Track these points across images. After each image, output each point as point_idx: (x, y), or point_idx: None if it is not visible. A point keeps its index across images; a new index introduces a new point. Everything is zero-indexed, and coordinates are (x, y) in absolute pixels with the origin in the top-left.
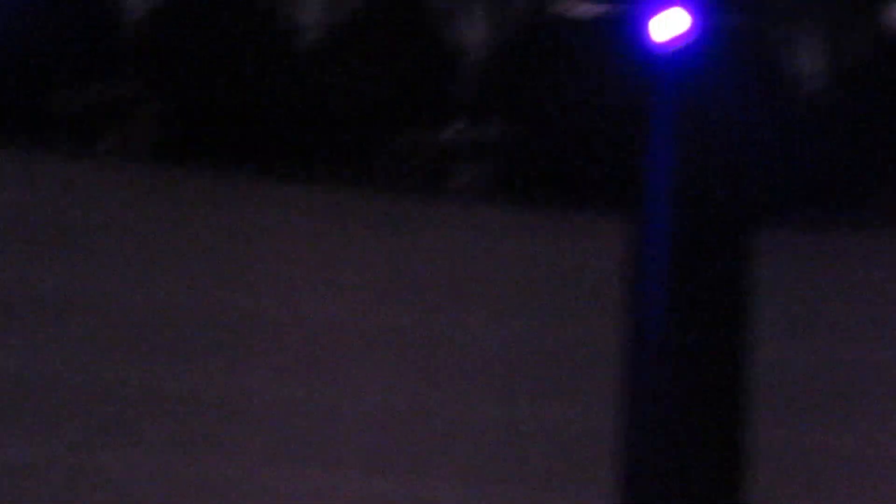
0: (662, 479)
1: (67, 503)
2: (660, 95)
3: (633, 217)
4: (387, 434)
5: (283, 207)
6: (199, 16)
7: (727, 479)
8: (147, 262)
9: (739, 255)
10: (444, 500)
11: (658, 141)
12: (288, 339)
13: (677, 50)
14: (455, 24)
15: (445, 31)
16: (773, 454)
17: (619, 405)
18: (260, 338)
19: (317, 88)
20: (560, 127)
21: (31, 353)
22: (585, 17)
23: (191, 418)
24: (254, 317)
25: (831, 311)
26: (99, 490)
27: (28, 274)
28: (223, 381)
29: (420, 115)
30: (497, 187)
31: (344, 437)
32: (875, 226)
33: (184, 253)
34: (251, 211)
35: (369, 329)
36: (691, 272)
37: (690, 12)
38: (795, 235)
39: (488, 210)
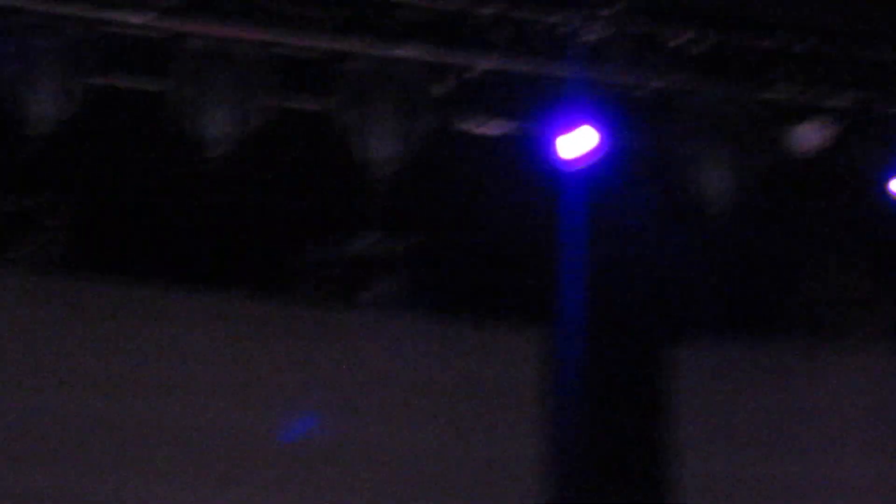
0: None
1: None
2: (569, 211)
3: (547, 330)
4: None
5: (192, 319)
6: (107, 130)
7: None
8: (58, 371)
9: (653, 369)
10: None
11: (569, 255)
12: (199, 450)
13: (586, 167)
14: (363, 140)
15: (354, 146)
16: None
17: None
18: (171, 449)
19: (226, 202)
20: (471, 240)
21: None
22: (493, 133)
23: None
24: (167, 425)
25: (746, 426)
26: None
27: None
28: (141, 487)
29: (329, 230)
30: (408, 300)
31: None
32: (788, 340)
33: (95, 362)
34: (161, 322)
35: (280, 437)
36: (605, 386)
37: (598, 130)
38: (708, 350)
39: (398, 323)
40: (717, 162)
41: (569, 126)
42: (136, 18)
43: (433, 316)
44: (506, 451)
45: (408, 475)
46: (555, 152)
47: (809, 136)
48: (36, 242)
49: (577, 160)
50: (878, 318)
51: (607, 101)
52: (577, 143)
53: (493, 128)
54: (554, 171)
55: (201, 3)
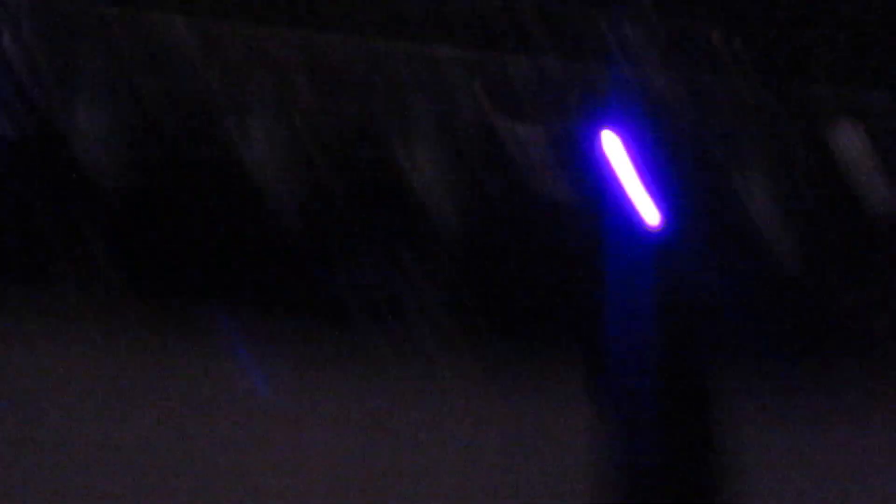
0: None
1: None
2: (614, 217)
3: (596, 357)
4: None
5: (233, 341)
6: (151, 137)
7: None
8: (92, 392)
9: (703, 393)
10: None
11: (615, 276)
12: (261, 476)
13: (625, 167)
14: (404, 142)
15: (394, 148)
16: None
17: None
18: (230, 474)
19: (265, 213)
20: (515, 250)
21: None
22: (532, 134)
23: None
24: (209, 450)
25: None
26: None
27: None
28: None
29: (371, 247)
30: (450, 321)
31: None
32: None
33: (157, 389)
34: (204, 344)
35: (342, 467)
36: (657, 413)
37: (636, 130)
38: (761, 376)
39: (440, 344)
40: (757, 162)
41: (607, 125)
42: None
43: (475, 338)
44: (553, 483)
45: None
46: (594, 151)
47: (850, 136)
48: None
49: (616, 159)
50: None
51: (644, 100)
52: (616, 142)
53: (531, 128)
54: (594, 170)
55: (238, 3)
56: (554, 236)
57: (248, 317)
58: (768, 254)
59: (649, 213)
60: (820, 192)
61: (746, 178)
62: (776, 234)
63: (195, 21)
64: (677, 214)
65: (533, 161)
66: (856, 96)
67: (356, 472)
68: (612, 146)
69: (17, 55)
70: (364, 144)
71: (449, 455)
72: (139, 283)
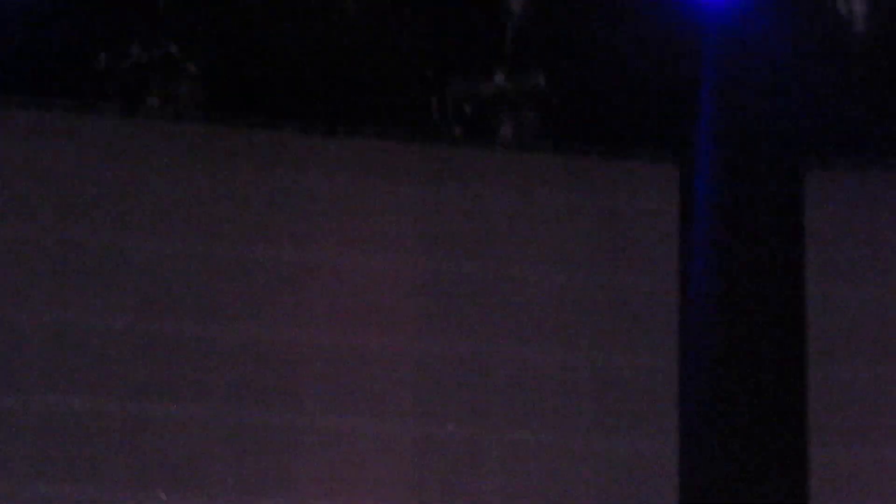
0: (719, 422)
1: (126, 453)
2: (707, 40)
3: (682, 162)
4: (440, 382)
5: (328, 160)
6: None
7: (782, 417)
8: (195, 217)
9: (789, 196)
10: (502, 446)
11: (706, 86)
12: (339, 291)
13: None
14: None
15: None
16: (827, 395)
17: (674, 349)
18: (311, 290)
19: (360, 41)
20: (607, 73)
21: (84, 309)
22: None
23: (246, 369)
24: (304, 269)
25: (880, 252)
26: (157, 439)
27: (79, 231)
28: (275, 332)
29: (465, 67)
30: (545, 135)
31: (400, 385)
32: None
33: (232, 208)
34: (297, 165)
35: (418, 278)
36: (740, 216)
37: None
38: (844, 176)
39: (535, 158)
40: None
41: None
42: None
43: (569, 150)
44: (640, 285)
45: (543, 310)
46: None
47: None
48: (174, 89)
49: None
50: None
51: None
52: None
53: None
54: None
55: None
56: None
57: None
58: None
59: None
60: None
61: None
62: None
63: None
64: None
65: None
66: None
67: None
68: None
69: None
70: None
71: None
72: None
